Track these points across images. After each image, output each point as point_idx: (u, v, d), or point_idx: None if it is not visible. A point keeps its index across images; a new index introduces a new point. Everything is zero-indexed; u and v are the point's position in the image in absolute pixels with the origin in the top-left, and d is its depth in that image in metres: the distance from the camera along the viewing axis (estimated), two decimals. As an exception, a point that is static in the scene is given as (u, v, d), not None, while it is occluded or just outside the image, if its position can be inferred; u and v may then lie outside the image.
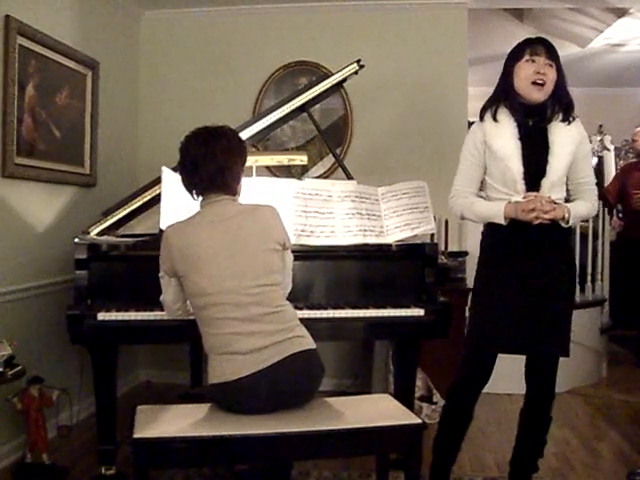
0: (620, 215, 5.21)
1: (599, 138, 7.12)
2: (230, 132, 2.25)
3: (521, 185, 2.31)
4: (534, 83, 2.29)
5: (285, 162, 3.48)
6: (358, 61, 3.24)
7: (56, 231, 3.38)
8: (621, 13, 4.92)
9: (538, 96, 2.31)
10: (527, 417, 2.45)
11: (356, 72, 3.26)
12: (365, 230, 2.84)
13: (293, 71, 4.35)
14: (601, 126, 7.14)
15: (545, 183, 2.31)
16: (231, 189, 2.21)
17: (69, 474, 2.85)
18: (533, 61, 2.30)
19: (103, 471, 2.65)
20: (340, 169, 3.26)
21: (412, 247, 2.88)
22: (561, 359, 2.37)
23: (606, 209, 4.78)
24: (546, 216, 2.24)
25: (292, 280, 2.36)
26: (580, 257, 4.52)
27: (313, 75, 4.16)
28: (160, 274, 2.23)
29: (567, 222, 2.31)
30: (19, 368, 2.57)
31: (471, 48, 4.39)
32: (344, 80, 3.28)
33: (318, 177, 4.12)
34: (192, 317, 2.22)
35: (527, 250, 2.32)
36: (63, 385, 2.98)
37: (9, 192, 3.02)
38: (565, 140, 2.33)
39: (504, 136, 2.34)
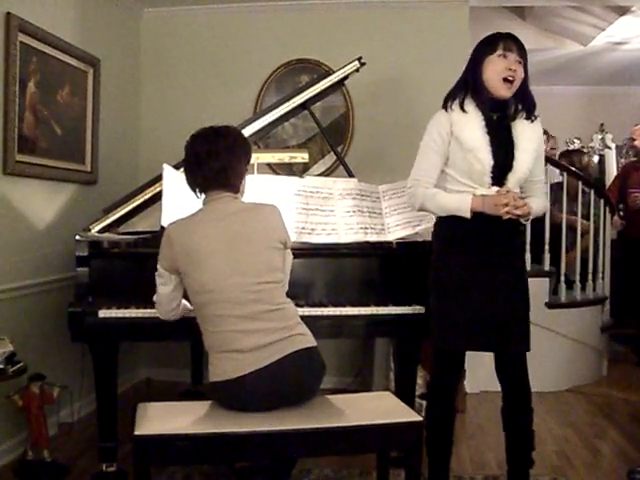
0: (621, 214, 5.21)
1: (600, 136, 7.11)
2: (235, 131, 2.27)
3: (488, 178, 2.29)
4: (505, 79, 2.27)
5: (286, 160, 3.48)
6: (359, 59, 3.24)
7: (57, 228, 3.38)
8: (623, 11, 4.91)
9: (506, 92, 2.29)
10: (509, 415, 2.42)
11: (357, 70, 3.26)
12: (366, 228, 2.84)
13: (294, 69, 4.35)
14: (602, 124, 7.14)
15: (511, 178, 2.31)
16: (234, 187, 2.21)
17: (70, 471, 2.85)
18: (505, 57, 2.28)
19: (104, 468, 2.65)
20: (341, 167, 3.26)
21: (413, 245, 2.88)
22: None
23: (607, 208, 4.77)
24: (517, 212, 2.23)
25: (293, 278, 2.36)
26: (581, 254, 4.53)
27: (314, 73, 4.16)
28: (157, 272, 2.21)
29: (527, 219, 2.32)
30: (20, 365, 2.58)
31: (473, 46, 4.38)
32: (345, 78, 3.28)
33: (319, 175, 4.12)
34: (193, 315, 2.22)
35: (487, 245, 2.31)
36: (64, 382, 2.98)
37: (10, 189, 3.02)
38: (530, 137, 2.34)
39: (472, 127, 2.30)
